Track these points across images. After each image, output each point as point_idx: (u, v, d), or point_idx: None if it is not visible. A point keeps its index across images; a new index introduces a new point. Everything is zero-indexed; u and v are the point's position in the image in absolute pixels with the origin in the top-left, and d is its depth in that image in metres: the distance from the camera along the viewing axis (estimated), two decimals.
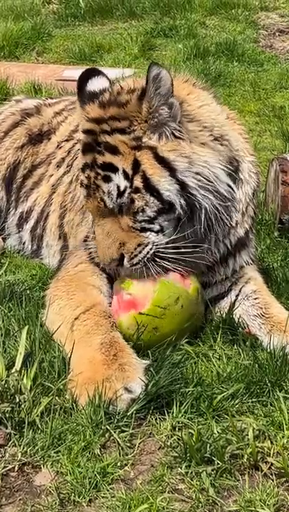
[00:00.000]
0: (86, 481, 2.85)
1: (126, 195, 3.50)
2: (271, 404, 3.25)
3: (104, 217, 3.56)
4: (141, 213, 3.51)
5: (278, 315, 3.74)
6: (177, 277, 3.59)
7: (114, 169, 3.51)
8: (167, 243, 3.54)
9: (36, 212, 4.82)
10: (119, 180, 3.50)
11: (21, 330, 3.48)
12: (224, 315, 3.80)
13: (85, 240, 4.01)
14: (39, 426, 3.09)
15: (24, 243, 4.89)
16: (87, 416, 3.09)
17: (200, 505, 2.78)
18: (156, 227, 3.54)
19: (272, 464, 2.95)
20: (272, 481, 2.90)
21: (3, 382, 3.19)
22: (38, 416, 3.11)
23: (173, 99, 3.54)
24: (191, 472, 2.90)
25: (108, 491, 2.84)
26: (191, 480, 2.87)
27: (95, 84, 3.78)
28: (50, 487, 2.85)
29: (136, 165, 3.50)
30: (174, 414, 3.16)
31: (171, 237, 3.55)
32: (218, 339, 3.68)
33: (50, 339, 3.51)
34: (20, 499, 2.84)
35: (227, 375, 3.40)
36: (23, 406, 3.14)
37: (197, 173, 3.54)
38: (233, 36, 8.90)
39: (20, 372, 3.26)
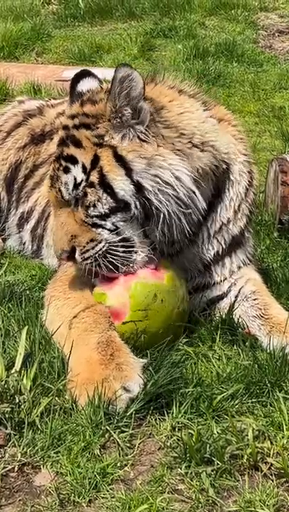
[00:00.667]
0: (86, 482, 2.85)
1: (81, 188, 3.56)
2: (271, 405, 3.25)
3: (60, 208, 3.64)
4: (92, 208, 3.55)
5: (278, 316, 3.74)
6: (148, 273, 3.57)
7: (74, 161, 3.59)
8: (121, 241, 3.56)
9: (37, 212, 4.82)
10: (76, 172, 3.58)
11: (21, 330, 3.48)
12: (224, 315, 3.80)
13: None
14: (39, 426, 3.09)
15: (24, 243, 4.89)
16: (87, 416, 3.09)
17: (200, 505, 2.78)
18: (109, 224, 3.55)
19: (272, 465, 2.95)
20: (272, 481, 2.90)
21: (3, 382, 3.19)
22: (37, 416, 3.11)
23: (143, 103, 3.56)
24: (191, 472, 2.90)
25: (108, 491, 2.84)
26: (191, 480, 2.87)
27: (85, 85, 3.90)
28: (49, 487, 2.85)
29: (95, 161, 3.56)
30: (174, 415, 3.16)
31: (127, 235, 3.56)
32: (218, 339, 3.68)
33: (49, 339, 3.51)
34: (20, 499, 2.84)
35: (227, 375, 3.40)
36: (22, 406, 3.14)
37: (155, 176, 3.53)
38: (232, 37, 8.91)
39: (20, 372, 3.26)
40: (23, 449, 3.00)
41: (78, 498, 2.80)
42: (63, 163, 3.62)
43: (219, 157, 3.81)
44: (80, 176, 3.57)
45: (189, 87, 3.96)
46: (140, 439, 3.09)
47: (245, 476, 2.92)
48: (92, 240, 3.56)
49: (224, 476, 2.90)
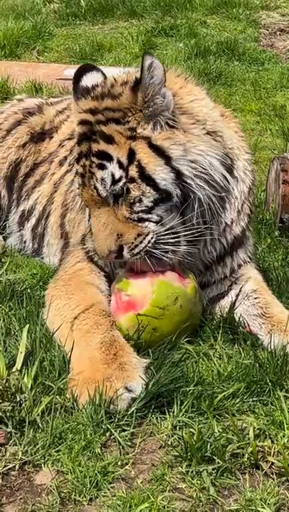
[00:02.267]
0: (87, 480, 2.85)
1: (120, 184, 3.50)
2: (272, 404, 3.25)
3: (99, 208, 3.56)
4: (138, 203, 3.51)
5: (279, 315, 3.74)
6: (175, 277, 3.59)
7: (109, 158, 3.53)
8: (166, 231, 3.54)
9: (38, 211, 4.82)
10: (113, 168, 3.51)
11: (22, 329, 3.49)
12: (225, 314, 3.80)
13: (82, 239, 4.00)
14: (40, 425, 3.09)
15: (25, 242, 4.89)
16: (88, 415, 3.09)
17: (200, 504, 2.79)
18: (155, 217, 3.54)
19: (272, 463, 2.95)
20: (273, 480, 2.90)
21: (4, 381, 3.19)
22: (38, 415, 3.12)
23: (165, 89, 3.55)
24: (192, 471, 2.90)
25: (109, 490, 2.84)
26: (192, 479, 2.87)
27: (89, 80, 3.81)
28: (50, 486, 2.85)
29: (131, 155, 3.52)
30: (175, 413, 3.16)
31: (170, 225, 3.55)
32: (219, 338, 3.68)
33: (50, 338, 3.51)
34: (20, 498, 2.84)
35: (228, 374, 3.40)
36: (23, 405, 3.14)
37: (192, 161, 3.55)
38: (233, 35, 8.91)
39: (21, 371, 3.27)
40: (24, 447, 3.00)
41: (79, 496, 2.81)
42: (96, 160, 3.55)
43: (225, 151, 3.79)
44: (118, 173, 3.51)
45: (191, 77, 3.96)
46: (141, 437, 3.09)
47: (246, 474, 2.92)
48: (139, 235, 3.53)
49: (225, 474, 2.90)
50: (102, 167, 3.53)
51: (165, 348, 3.49)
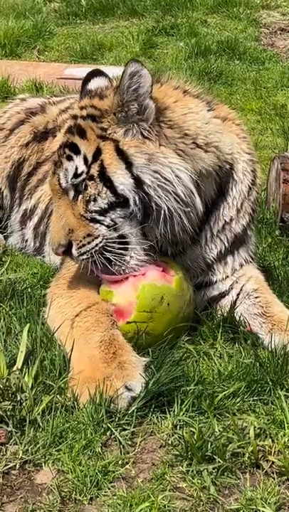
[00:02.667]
0: (87, 480, 2.85)
1: (80, 178, 3.60)
2: (272, 403, 3.25)
3: (59, 199, 3.67)
4: (93, 202, 3.57)
5: (279, 314, 3.74)
6: (158, 275, 3.57)
7: (77, 151, 3.64)
8: (118, 238, 3.58)
9: (40, 210, 4.82)
10: (78, 162, 3.62)
11: (22, 328, 3.49)
12: (225, 313, 3.80)
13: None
14: (40, 424, 3.09)
15: (27, 241, 4.89)
16: (89, 414, 3.09)
17: (201, 503, 2.79)
18: (108, 220, 3.57)
19: (273, 463, 2.95)
20: (274, 479, 2.90)
21: (5, 380, 3.19)
22: (39, 414, 3.12)
23: (149, 101, 3.58)
24: (192, 470, 2.90)
25: (109, 489, 2.84)
26: (192, 478, 2.87)
27: (95, 83, 3.96)
28: (51, 485, 2.86)
29: (97, 153, 3.60)
30: (175, 413, 3.16)
31: (120, 233, 3.58)
32: (219, 337, 3.69)
33: (51, 337, 3.51)
34: (21, 497, 2.84)
35: (228, 373, 3.40)
36: (24, 404, 3.14)
37: (155, 171, 3.55)
38: (234, 34, 8.91)
39: (21, 370, 3.27)
40: (25, 446, 3.01)
41: (80, 496, 2.81)
42: (67, 151, 3.66)
43: (223, 158, 3.82)
44: (82, 167, 3.60)
45: (194, 88, 3.98)
46: (141, 437, 3.09)
47: (247, 474, 2.93)
48: (88, 235, 3.58)
49: (225, 474, 2.90)
50: (69, 158, 3.65)
51: (165, 347, 3.49)
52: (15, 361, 3.33)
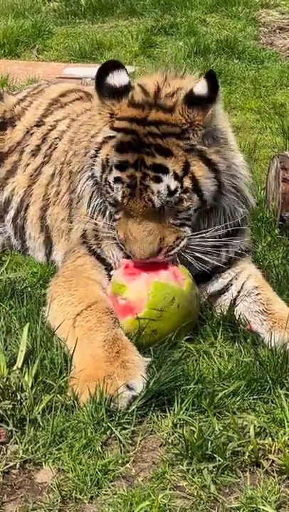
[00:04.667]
0: (87, 478, 2.85)
1: (176, 195, 3.59)
2: (272, 402, 3.25)
3: (146, 216, 3.59)
4: (185, 212, 3.62)
5: (280, 312, 3.74)
6: (170, 276, 3.58)
7: (165, 171, 3.58)
8: (193, 235, 3.69)
9: (15, 203, 4.76)
10: (169, 181, 3.57)
11: (22, 327, 3.48)
12: (225, 312, 3.80)
13: (82, 235, 4.00)
14: (40, 423, 3.09)
15: (9, 237, 4.83)
16: (89, 413, 3.10)
17: (201, 502, 2.79)
18: (192, 221, 3.68)
19: (273, 461, 2.96)
20: (274, 478, 2.90)
21: (5, 379, 3.19)
22: (39, 413, 3.12)
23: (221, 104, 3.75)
24: (193, 469, 2.90)
25: (110, 488, 2.84)
26: (193, 477, 2.88)
27: (115, 78, 3.74)
28: (51, 484, 2.86)
29: (186, 167, 3.60)
30: (175, 412, 3.16)
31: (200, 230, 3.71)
32: (219, 336, 3.69)
33: (51, 336, 3.51)
34: (21, 496, 2.84)
35: (228, 372, 3.40)
36: (24, 403, 3.14)
37: (232, 175, 3.73)
38: (233, 34, 8.89)
39: (21, 369, 3.27)
40: (25, 446, 3.01)
41: (80, 494, 2.81)
42: (151, 172, 3.56)
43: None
44: (174, 184, 3.57)
45: None
46: (142, 435, 3.09)
47: (247, 472, 2.93)
48: (177, 238, 3.63)
49: (226, 472, 2.90)
50: (158, 180, 3.57)
51: (165, 346, 3.50)
52: (15, 360, 3.33)
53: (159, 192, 3.55)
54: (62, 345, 3.45)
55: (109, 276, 3.82)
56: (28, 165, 4.77)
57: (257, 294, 3.84)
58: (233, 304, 3.82)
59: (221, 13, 9.63)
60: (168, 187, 3.56)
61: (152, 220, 3.59)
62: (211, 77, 3.62)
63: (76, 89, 5.20)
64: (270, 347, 3.57)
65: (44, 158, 4.73)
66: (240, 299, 3.84)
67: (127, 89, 3.71)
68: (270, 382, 3.32)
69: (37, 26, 9.19)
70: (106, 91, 3.72)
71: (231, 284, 3.91)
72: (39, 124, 4.88)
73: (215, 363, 3.50)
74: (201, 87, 3.62)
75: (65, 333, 3.49)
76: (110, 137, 3.70)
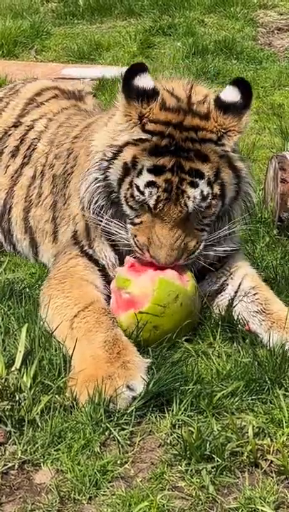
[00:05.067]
0: (86, 479, 2.85)
1: (208, 200, 3.62)
2: (271, 402, 3.25)
3: (177, 221, 3.59)
4: (209, 217, 3.67)
5: (278, 312, 3.74)
6: (175, 275, 3.60)
7: (201, 176, 3.60)
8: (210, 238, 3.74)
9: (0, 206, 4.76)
10: (204, 186, 3.60)
11: (21, 328, 3.48)
12: (223, 312, 3.80)
13: (73, 236, 4.00)
14: (39, 424, 3.09)
15: (1, 242, 4.81)
16: (87, 414, 3.09)
17: (200, 502, 2.79)
18: (210, 226, 3.73)
19: (272, 462, 2.96)
20: (272, 478, 2.90)
21: (3, 380, 3.19)
22: (37, 414, 3.12)
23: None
24: (191, 470, 2.90)
25: (108, 488, 2.84)
26: (191, 477, 2.88)
27: (142, 81, 3.66)
28: (50, 485, 2.86)
29: (217, 173, 3.65)
30: (174, 412, 3.16)
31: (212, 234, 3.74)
32: (218, 337, 3.69)
33: (50, 337, 3.51)
34: (20, 497, 2.84)
35: (227, 372, 3.40)
36: (22, 404, 3.14)
37: (247, 182, 3.80)
38: (231, 34, 8.89)
39: (20, 370, 3.26)
40: (24, 446, 3.01)
41: (78, 495, 2.81)
42: (188, 177, 3.57)
43: None
44: (206, 190, 3.61)
45: None
46: (140, 436, 3.09)
47: (246, 473, 2.93)
48: (197, 242, 3.66)
49: (224, 473, 2.90)
50: (194, 185, 3.59)
51: (165, 347, 3.50)
52: (13, 361, 3.32)
53: (194, 197, 3.57)
54: (60, 346, 3.45)
55: (103, 276, 3.83)
56: (8, 166, 4.77)
57: (254, 294, 3.84)
58: (231, 304, 3.82)
59: (219, 13, 9.63)
60: (202, 192, 3.58)
61: (181, 225, 3.60)
62: (244, 84, 3.75)
63: (52, 87, 5.19)
64: (268, 347, 3.57)
65: (24, 159, 4.72)
66: (238, 300, 3.84)
67: (155, 92, 3.66)
68: (268, 382, 3.32)
69: (35, 27, 9.19)
70: (134, 93, 3.65)
71: (227, 284, 3.91)
72: (16, 124, 4.88)
73: (213, 363, 3.50)
74: (229, 94, 3.73)
75: (63, 335, 3.48)
76: (141, 140, 3.64)
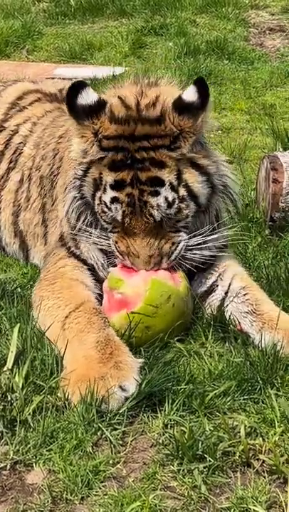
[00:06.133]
0: (78, 479, 2.85)
1: (175, 205, 3.60)
2: (263, 402, 3.25)
3: (147, 231, 3.60)
4: (184, 220, 3.66)
5: (270, 312, 3.73)
6: (168, 275, 3.60)
7: (161, 183, 3.58)
8: (190, 238, 3.70)
9: None
10: (166, 192, 3.58)
11: (13, 328, 3.48)
12: (215, 312, 3.81)
13: (60, 237, 4.00)
14: (31, 424, 3.09)
15: None
16: (80, 414, 3.09)
17: (192, 502, 2.79)
18: (188, 225, 3.71)
19: (264, 461, 2.96)
20: (264, 478, 2.90)
21: None
22: (30, 414, 3.11)
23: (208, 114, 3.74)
24: (183, 469, 2.90)
25: (100, 488, 2.84)
26: (183, 477, 2.88)
27: (84, 98, 3.64)
28: (42, 485, 2.85)
29: (179, 175, 3.62)
30: (166, 412, 3.16)
31: (194, 233, 3.71)
32: (210, 337, 3.69)
33: (42, 337, 3.50)
34: (12, 497, 2.84)
35: (219, 372, 3.40)
36: (14, 404, 3.14)
37: (222, 175, 3.77)
38: (223, 34, 8.90)
39: (12, 370, 3.26)
40: (16, 447, 3.00)
41: (71, 495, 2.81)
42: (147, 188, 3.56)
43: None
44: (171, 195, 3.59)
45: None
46: (132, 436, 3.09)
47: (238, 472, 2.93)
48: (173, 244, 3.65)
49: (216, 472, 2.91)
50: (156, 194, 3.57)
51: (157, 347, 3.50)
52: (5, 361, 3.32)
53: (158, 205, 3.56)
54: (52, 347, 3.45)
55: (93, 275, 3.84)
56: None
57: (245, 295, 3.83)
58: (222, 304, 3.82)
59: (210, 14, 9.64)
60: (166, 199, 3.57)
61: (152, 234, 3.60)
62: (202, 84, 3.61)
63: (33, 90, 5.17)
64: (260, 347, 3.58)
65: (10, 163, 4.72)
66: (229, 300, 3.83)
67: (100, 104, 3.64)
68: (260, 382, 3.33)
69: (27, 27, 9.19)
70: (81, 112, 3.63)
71: (217, 285, 3.91)
72: (0, 129, 4.87)
73: (206, 363, 3.51)
74: (190, 94, 3.62)
75: (55, 336, 3.48)
76: (101, 158, 3.64)
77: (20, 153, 4.69)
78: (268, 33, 9.26)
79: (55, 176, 4.31)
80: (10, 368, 3.28)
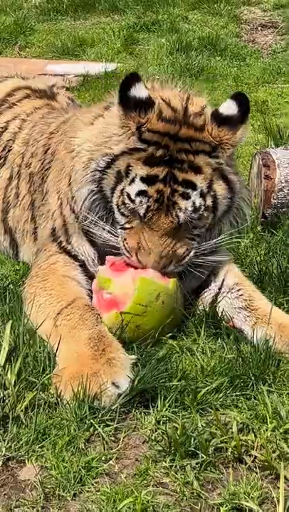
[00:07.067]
0: (71, 476, 2.85)
1: (200, 212, 3.63)
2: (255, 398, 3.26)
3: (168, 231, 3.59)
4: (200, 228, 3.68)
5: (263, 307, 3.75)
6: (157, 273, 3.59)
7: (194, 187, 3.61)
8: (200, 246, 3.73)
9: None
10: (195, 198, 3.60)
11: (5, 325, 3.47)
12: (207, 308, 3.81)
13: (52, 233, 4.00)
14: (23, 421, 3.08)
15: None
16: (72, 411, 3.09)
17: (184, 498, 2.79)
18: (200, 236, 3.73)
19: (256, 457, 2.96)
20: (256, 474, 2.91)
21: None
22: (22, 411, 3.11)
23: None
24: (176, 466, 2.91)
25: (93, 485, 2.84)
26: (176, 473, 2.88)
27: (137, 91, 3.66)
28: (34, 482, 2.85)
29: (210, 184, 3.65)
30: (159, 408, 3.17)
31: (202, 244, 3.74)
32: (202, 333, 3.69)
33: (34, 334, 3.50)
34: (4, 494, 2.83)
35: (211, 368, 3.41)
36: (7, 401, 3.13)
37: (241, 198, 3.82)
38: (215, 31, 8.91)
39: (4, 367, 3.26)
40: (8, 443, 3.00)
41: (63, 492, 2.81)
42: (180, 188, 3.59)
43: None
44: (198, 201, 3.61)
45: None
46: (125, 432, 3.10)
47: (230, 468, 2.93)
48: (186, 250, 3.66)
49: (209, 468, 2.91)
50: (186, 196, 3.59)
51: (149, 343, 3.50)
52: None
53: (186, 209, 3.58)
54: (45, 343, 3.44)
55: (84, 271, 3.84)
56: None
57: (238, 290, 3.85)
58: (215, 300, 3.83)
59: (203, 10, 9.64)
60: (194, 203, 3.59)
61: (171, 234, 3.60)
62: (243, 99, 3.68)
63: (23, 86, 5.17)
64: (252, 343, 3.58)
65: None
66: (222, 296, 3.85)
67: (150, 102, 3.66)
68: (252, 378, 3.33)
69: (19, 23, 9.17)
70: (131, 103, 3.65)
71: (210, 281, 3.92)
72: None
73: (198, 359, 3.51)
74: (227, 108, 3.68)
75: (47, 332, 3.48)
76: (137, 149, 3.64)
77: (9, 150, 4.69)
78: (260, 29, 9.26)
79: (46, 170, 4.29)
80: (2, 364, 3.27)
